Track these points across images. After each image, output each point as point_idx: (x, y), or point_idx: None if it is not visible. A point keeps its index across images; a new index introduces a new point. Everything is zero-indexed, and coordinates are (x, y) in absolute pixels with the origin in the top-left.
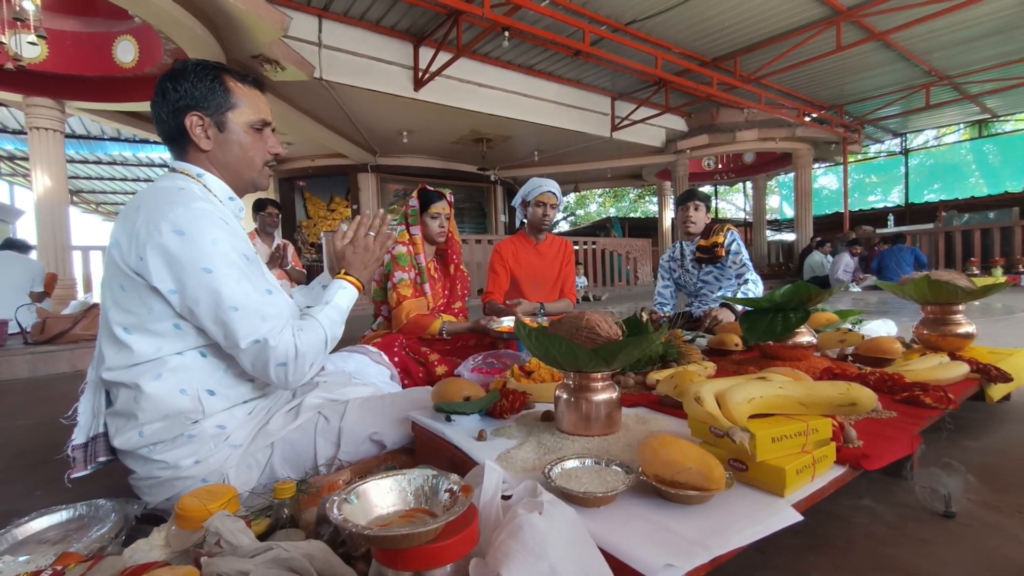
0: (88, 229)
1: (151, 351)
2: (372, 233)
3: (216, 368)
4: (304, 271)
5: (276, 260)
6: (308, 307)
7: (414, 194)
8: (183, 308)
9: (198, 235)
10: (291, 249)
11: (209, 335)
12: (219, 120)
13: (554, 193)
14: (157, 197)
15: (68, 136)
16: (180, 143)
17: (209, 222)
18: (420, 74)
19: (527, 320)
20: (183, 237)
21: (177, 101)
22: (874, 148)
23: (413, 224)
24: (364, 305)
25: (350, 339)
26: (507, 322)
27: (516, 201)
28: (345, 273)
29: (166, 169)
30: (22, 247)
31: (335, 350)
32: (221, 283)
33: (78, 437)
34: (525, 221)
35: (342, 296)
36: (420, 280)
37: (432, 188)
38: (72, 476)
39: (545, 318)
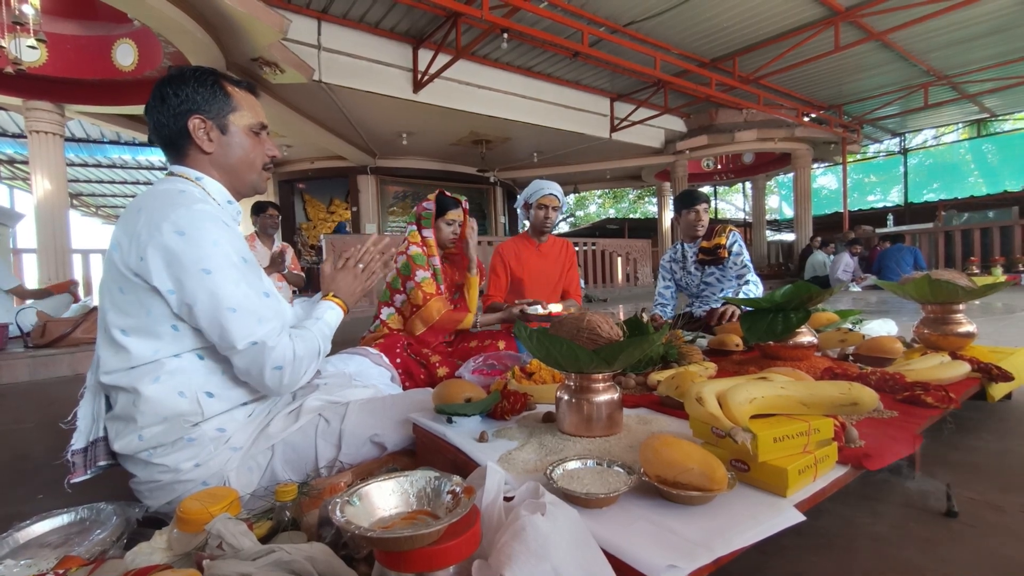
0: (88, 232)
1: (149, 353)
2: (362, 265)
3: (214, 370)
4: (302, 275)
5: (276, 264)
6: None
7: (431, 197)
8: (180, 308)
9: (199, 236)
10: (290, 253)
11: (205, 336)
12: (221, 123)
13: (556, 196)
14: (158, 199)
15: (68, 140)
16: (180, 147)
17: (211, 223)
18: (419, 76)
19: (544, 312)
20: (184, 237)
21: (179, 105)
22: (873, 148)
23: (426, 227)
24: (364, 307)
25: (350, 341)
26: (552, 307)
27: (518, 203)
28: (333, 295)
29: (166, 172)
30: None
31: (335, 352)
32: (220, 284)
33: (78, 442)
34: (527, 223)
35: (331, 315)
36: (437, 280)
37: (450, 195)
38: (72, 481)
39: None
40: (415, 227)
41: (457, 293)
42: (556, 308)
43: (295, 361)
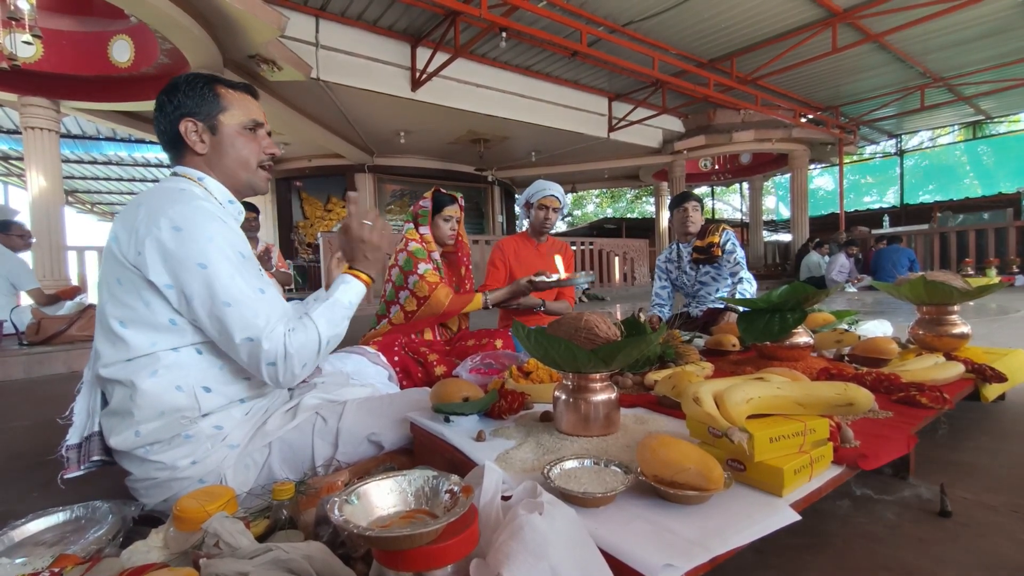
0: (83, 229)
1: (146, 345)
2: (368, 222)
3: (212, 365)
4: (289, 272)
5: (263, 264)
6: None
7: (427, 195)
8: (179, 303)
9: (195, 231)
10: (276, 251)
11: (205, 331)
12: (211, 124)
13: (557, 197)
14: (159, 196)
15: (63, 136)
16: (179, 149)
17: (207, 219)
18: (417, 74)
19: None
20: (181, 233)
21: (173, 111)
22: (870, 149)
23: (423, 224)
24: (363, 306)
25: (350, 339)
26: (561, 275)
27: (519, 202)
28: (350, 267)
29: (161, 169)
30: (6, 227)
31: (333, 350)
32: (215, 279)
33: (72, 437)
34: (528, 222)
35: (344, 291)
36: (440, 273)
37: (445, 191)
38: (65, 476)
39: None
40: (412, 225)
41: (458, 288)
42: (564, 275)
43: (287, 358)
